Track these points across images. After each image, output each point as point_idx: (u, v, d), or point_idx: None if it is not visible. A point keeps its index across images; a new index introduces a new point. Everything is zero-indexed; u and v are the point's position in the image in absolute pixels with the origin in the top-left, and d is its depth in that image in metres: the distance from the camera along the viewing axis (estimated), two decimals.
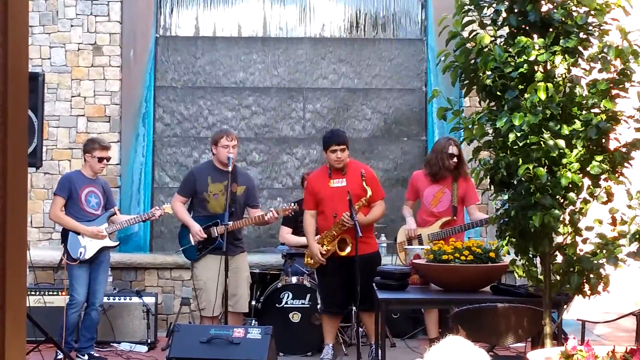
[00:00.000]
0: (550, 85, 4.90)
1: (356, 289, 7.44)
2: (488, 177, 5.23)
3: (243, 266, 8.40)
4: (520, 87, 5.03)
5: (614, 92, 5.01)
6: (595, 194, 5.03)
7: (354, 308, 8.25)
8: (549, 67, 5.03)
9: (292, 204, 8.50)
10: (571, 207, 5.03)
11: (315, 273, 8.59)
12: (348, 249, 8.05)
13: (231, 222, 8.00)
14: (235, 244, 8.28)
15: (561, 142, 4.87)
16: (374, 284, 7.01)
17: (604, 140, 4.99)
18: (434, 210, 8.48)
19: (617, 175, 5.03)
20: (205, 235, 8.20)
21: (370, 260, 7.90)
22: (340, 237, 8.08)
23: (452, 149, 8.38)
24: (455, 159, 8.38)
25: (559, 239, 5.18)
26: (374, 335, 7.76)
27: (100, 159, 8.32)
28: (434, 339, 7.67)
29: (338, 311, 8.30)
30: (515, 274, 5.33)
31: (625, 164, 5.04)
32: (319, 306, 8.43)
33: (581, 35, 5.10)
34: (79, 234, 8.20)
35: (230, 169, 8.10)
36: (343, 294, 8.16)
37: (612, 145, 5.04)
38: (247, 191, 8.38)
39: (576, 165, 4.91)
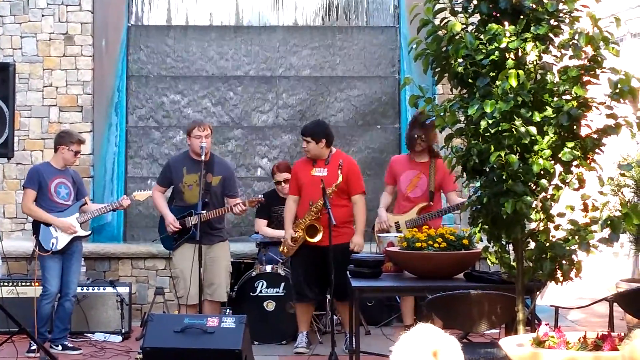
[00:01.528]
0: (521, 72, 4.91)
1: (330, 278, 7.45)
2: (460, 164, 5.24)
3: (222, 255, 8.41)
4: (491, 74, 5.03)
5: (585, 78, 5.01)
6: (567, 181, 5.04)
7: (328, 296, 8.26)
8: (520, 54, 5.04)
9: (259, 196, 8.61)
10: (543, 194, 5.04)
11: (289, 262, 8.60)
12: (318, 237, 8.07)
13: (204, 212, 8.01)
14: (213, 233, 8.30)
15: (533, 129, 4.87)
16: (347, 272, 7.02)
17: (575, 127, 5.00)
18: (410, 195, 8.40)
19: (588, 161, 5.04)
20: (179, 227, 8.24)
21: (344, 250, 7.91)
22: (310, 224, 8.10)
23: (415, 131, 8.33)
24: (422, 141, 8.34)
25: (531, 226, 5.19)
26: (349, 324, 7.77)
27: (77, 153, 8.33)
28: (409, 325, 7.69)
29: (310, 300, 8.30)
30: (488, 261, 5.34)
31: (597, 150, 5.05)
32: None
33: (552, 22, 5.11)
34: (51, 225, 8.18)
35: (203, 158, 8.09)
36: (315, 283, 8.20)
37: (584, 131, 5.04)
38: (223, 181, 8.39)
39: (548, 152, 4.91)
